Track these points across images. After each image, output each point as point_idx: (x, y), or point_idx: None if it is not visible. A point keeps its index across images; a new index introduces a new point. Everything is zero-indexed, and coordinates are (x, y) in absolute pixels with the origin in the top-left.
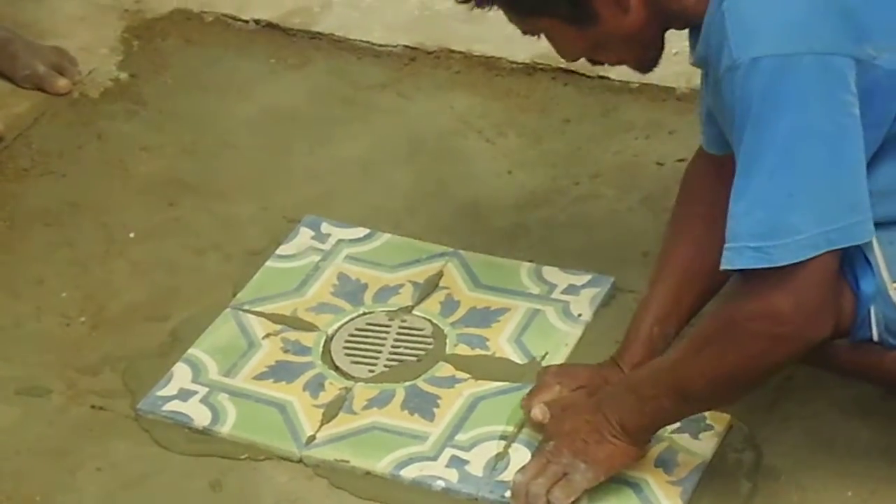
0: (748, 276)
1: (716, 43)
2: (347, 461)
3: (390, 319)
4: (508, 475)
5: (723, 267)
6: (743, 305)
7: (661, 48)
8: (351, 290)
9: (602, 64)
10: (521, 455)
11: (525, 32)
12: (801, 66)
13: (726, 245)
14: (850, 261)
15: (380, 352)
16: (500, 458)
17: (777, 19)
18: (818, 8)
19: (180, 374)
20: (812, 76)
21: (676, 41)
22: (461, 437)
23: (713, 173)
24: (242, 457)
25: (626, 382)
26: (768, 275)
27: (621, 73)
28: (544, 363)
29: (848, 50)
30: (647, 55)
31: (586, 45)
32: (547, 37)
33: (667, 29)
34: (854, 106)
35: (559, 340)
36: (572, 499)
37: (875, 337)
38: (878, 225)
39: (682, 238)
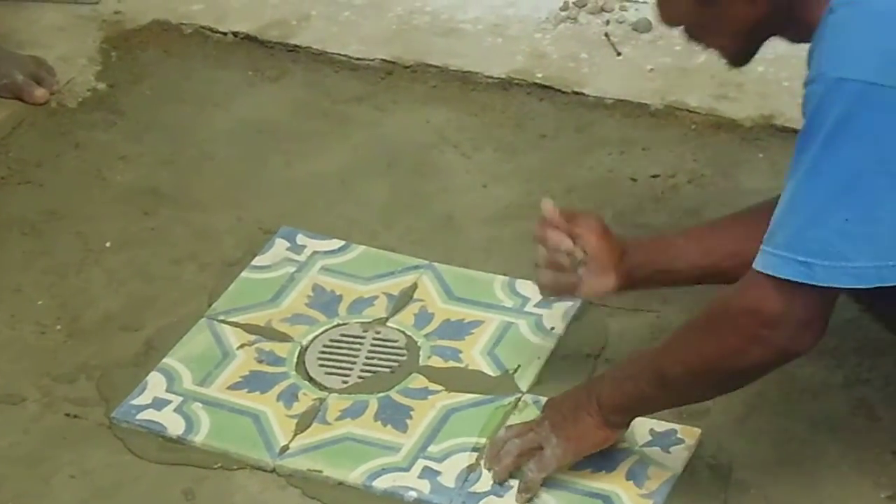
0: (765, 278)
1: (813, 54)
2: (320, 471)
3: (364, 331)
4: (480, 487)
5: (759, 268)
6: (740, 298)
7: (758, 50)
8: (325, 302)
9: (696, 41)
10: None
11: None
12: (885, 99)
13: (770, 249)
14: None
15: (353, 363)
16: (472, 469)
17: (876, 46)
18: None
19: (155, 383)
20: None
21: (651, 58)
22: (434, 449)
23: None
24: (216, 466)
25: (617, 362)
26: (783, 282)
27: (596, 88)
28: (517, 376)
29: None
30: (747, 50)
31: (697, 18)
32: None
33: (777, 33)
34: None
35: (532, 353)
36: (542, 475)
37: None
38: None
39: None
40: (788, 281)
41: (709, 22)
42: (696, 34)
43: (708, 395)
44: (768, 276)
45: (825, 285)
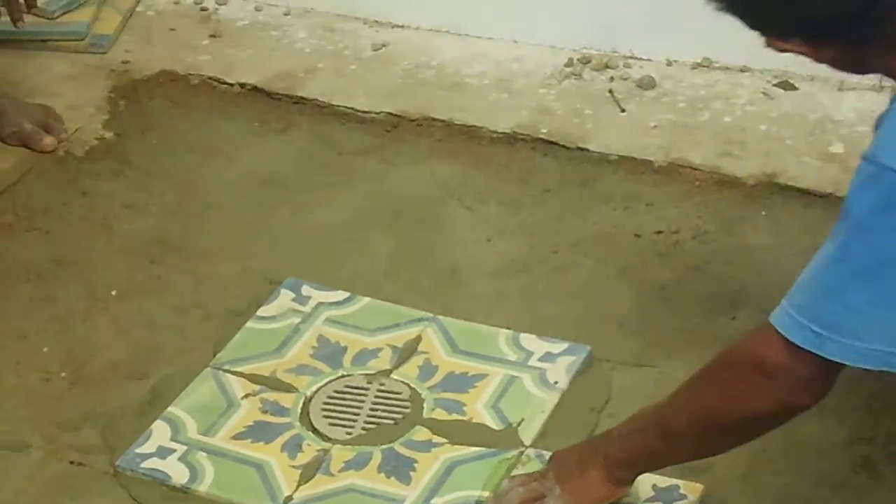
0: (776, 332)
1: (878, 127)
2: None
3: (368, 382)
4: None
5: (772, 321)
6: (746, 345)
7: None
8: (330, 353)
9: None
10: None
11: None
12: None
13: (789, 308)
14: None
15: (357, 414)
16: None
17: None
18: None
19: (159, 432)
20: None
21: (655, 114)
22: (437, 501)
23: None
24: None
25: (623, 418)
26: (791, 342)
27: (600, 144)
28: (520, 430)
29: None
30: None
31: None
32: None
33: None
34: None
35: (536, 407)
36: None
37: None
38: None
39: None
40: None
41: (851, 59)
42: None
43: (712, 448)
44: (779, 332)
45: (833, 359)
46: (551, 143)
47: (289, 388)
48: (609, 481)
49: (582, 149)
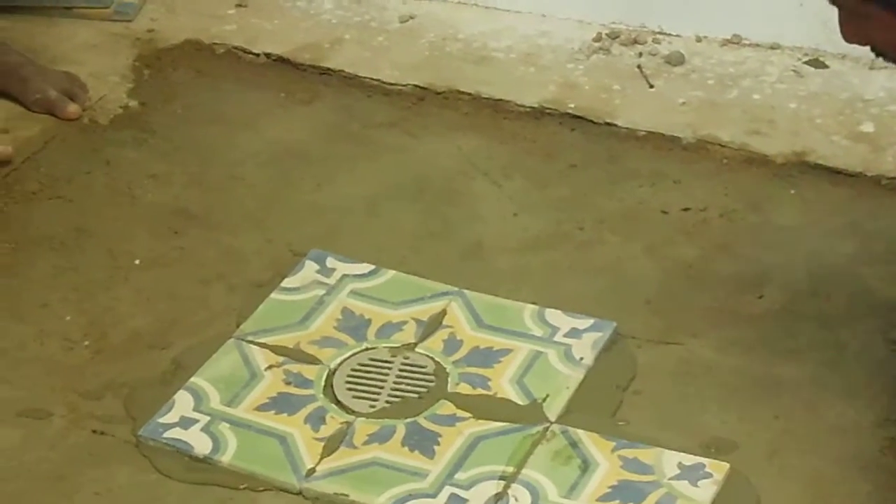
0: None
1: None
2: (347, 495)
3: (393, 356)
4: None
5: None
6: None
7: None
8: (354, 325)
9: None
10: (521, 496)
11: (854, 29)
12: None
13: None
14: None
15: (381, 387)
16: (500, 498)
17: None
18: None
19: (182, 402)
20: None
21: (684, 91)
22: (461, 476)
23: None
24: (242, 487)
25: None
26: None
27: (628, 120)
28: (545, 405)
29: None
30: None
31: None
32: (875, 29)
33: None
34: None
35: (560, 383)
36: None
37: None
38: None
39: None
40: None
41: None
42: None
43: None
44: None
45: None
46: (578, 118)
47: (312, 360)
48: None
49: (609, 124)
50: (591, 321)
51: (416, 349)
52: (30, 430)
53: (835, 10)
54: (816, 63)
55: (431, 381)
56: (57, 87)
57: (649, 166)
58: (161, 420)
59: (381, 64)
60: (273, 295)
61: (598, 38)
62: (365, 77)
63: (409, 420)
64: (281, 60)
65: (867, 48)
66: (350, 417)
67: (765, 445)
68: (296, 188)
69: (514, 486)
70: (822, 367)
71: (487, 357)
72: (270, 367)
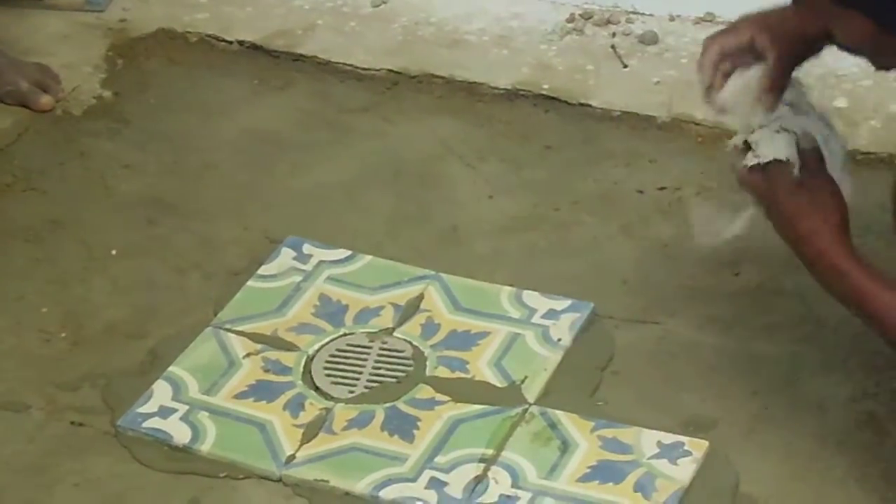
0: None
1: None
2: (327, 481)
3: (371, 341)
4: (488, 497)
5: None
6: None
7: None
8: (332, 311)
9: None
10: (501, 478)
11: (810, 20)
12: None
13: None
14: None
15: (360, 373)
16: (480, 480)
17: None
18: None
19: (160, 392)
20: None
21: (658, 70)
22: (440, 459)
23: None
24: (222, 475)
25: None
26: None
27: (603, 100)
28: (524, 387)
29: None
30: None
31: (875, 45)
32: (836, 25)
33: None
34: None
35: (539, 365)
36: None
37: None
38: None
39: None
40: None
41: (890, 46)
42: (872, 56)
43: None
44: None
45: None
46: (553, 99)
47: (290, 347)
48: None
49: (584, 105)
50: (568, 302)
51: (394, 334)
52: (8, 423)
53: None
54: None
55: (410, 366)
56: (29, 78)
57: (624, 146)
58: (140, 410)
59: (354, 49)
60: (250, 282)
61: (571, 19)
62: (339, 63)
63: (388, 405)
64: (254, 47)
65: None
66: (329, 403)
67: (743, 423)
68: (271, 175)
69: (493, 468)
70: (800, 343)
71: (465, 340)
72: (248, 354)
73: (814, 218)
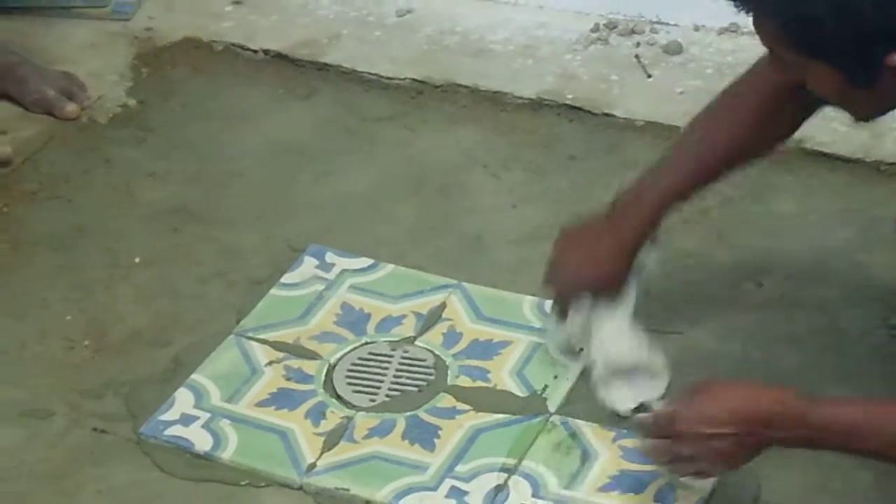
0: None
1: None
2: (348, 489)
3: (392, 349)
4: None
5: None
6: None
7: None
8: (354, 320)
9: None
10: (521, 487)
11: (783, 70)
12: None
13: None
14: None
15: (381, 381)
16: (500, 489)
17: None
18: None
19: (182, 399)
20: None
21: (682, 80)
22: (461, 468)
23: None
24: (243, 483)
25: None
26: None
27: (626, 110)
28: (545, 397)
29: None
30: (882, 114)
31: (845, 97)
32: (807, 76)
33: None
34: None
35: (560, 374)
36: None
37: None
38: None
39: (726, 118)
40: None
41: (857, 99)
42: (842, 107)
43: None
44: None
45: None
46: (577, 108)
47: (312, 356)
48: None
49: (608, 115)
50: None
51: (416, 343)
52: (31, 430)
53: None
54: None
55: (431, 375)
56: (55, 86)
57: (648, 156)
58: (162, 418)
59: (378, 58)
60: (272, 291)
61: (595, 29)
62: (363, 72)
63: (409, 413)
64: (279, 56)
65: None
66: (350, 412)
67: None
68: (294, 184)
69: (514, 477)
70: (822, 353)
71: (487, 349)
72: (270, 362)
73: (768, 411)
